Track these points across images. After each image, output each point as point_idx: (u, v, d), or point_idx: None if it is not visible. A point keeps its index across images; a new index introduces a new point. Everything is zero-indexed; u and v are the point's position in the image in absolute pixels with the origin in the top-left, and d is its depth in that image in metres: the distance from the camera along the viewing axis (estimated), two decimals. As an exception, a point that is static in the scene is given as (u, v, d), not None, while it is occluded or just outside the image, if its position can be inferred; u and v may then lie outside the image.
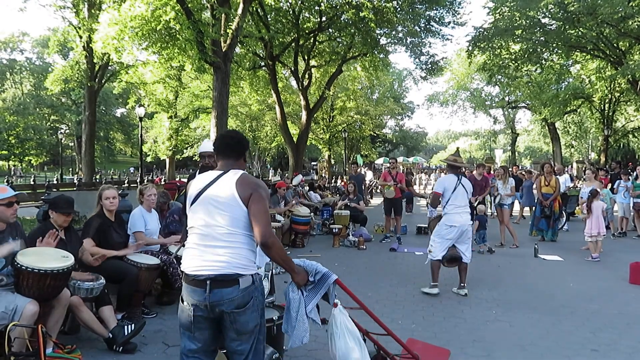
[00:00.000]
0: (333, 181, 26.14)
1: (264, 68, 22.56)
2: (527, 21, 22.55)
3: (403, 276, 6.93)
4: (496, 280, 6.77)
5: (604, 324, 4.86)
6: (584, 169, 36.06)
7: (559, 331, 4.65)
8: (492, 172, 13.37)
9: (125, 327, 3.95)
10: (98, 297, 4.07)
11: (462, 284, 6.02)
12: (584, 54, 25.21)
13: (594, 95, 30.56)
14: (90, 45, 19.64)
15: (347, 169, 35.74)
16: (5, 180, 21.63)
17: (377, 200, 20.40)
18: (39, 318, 3.35)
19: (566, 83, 31.20)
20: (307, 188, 13.81)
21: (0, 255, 3.35)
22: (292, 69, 22.88)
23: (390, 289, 6.18)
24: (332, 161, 41.34)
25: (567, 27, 21.76)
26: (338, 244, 9.54)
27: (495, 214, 10.96)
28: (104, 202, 4.70)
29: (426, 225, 11.67)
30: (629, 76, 20.69)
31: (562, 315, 5.13)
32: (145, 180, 23.52)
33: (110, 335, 3.91)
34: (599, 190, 8.72)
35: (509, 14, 22.84)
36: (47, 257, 3.50)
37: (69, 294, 3.77)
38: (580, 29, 21.60)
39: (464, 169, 6.85)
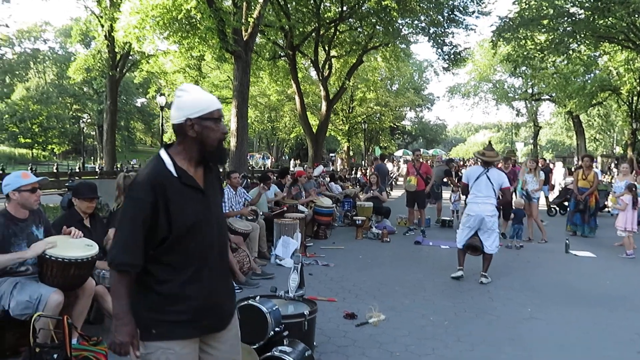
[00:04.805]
0: (354, 172, 25.89)
1: (283, 58, 22.37)
2: (555, 11, 21.92)
3: (430, 270, 6.74)
4: (527, 276, 6.53)
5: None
6: (609, 163, 35.23)
7: (600, 331, 4.42)
8: (516, 165, 13.05)
9: (150, 318, 3.84)
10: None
11: (483, 273, 6.12)
12: (613, 44, 24.45)
13: (621, 88, 29.70)
14: (112, 34, 19.69)
15: (365, 161, 35.47)
16: (29, 168, 21.93)
17: (397, 193, 20.14)
18: (64, 308, 3.26)
19: (592, 75, 30.38)
20: (327, 179, 13.63)
21: (37, 253, 3.23)
22: (312, 59, 22.64)
23: (418, 284, 5.99)
24: (351, 152, 41.06)
25: (596, 16, 21.09)
26: (361, 235, 9.36)
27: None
28: None
29: (450, 219, 11.47)
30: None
31: (601, 314, 4.88)
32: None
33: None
34: (636, 184, 8.38)
35: (536, 3, 22.22)
36: (71, 246, 3.40)
37: (94, 283, 3.67)
38: (610, 18, 20.91)
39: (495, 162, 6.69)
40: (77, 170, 27.19)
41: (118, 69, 24.73)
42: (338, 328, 4.27)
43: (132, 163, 43.21)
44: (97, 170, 27.65)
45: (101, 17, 22.27)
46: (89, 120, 46.82)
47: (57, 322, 3.05)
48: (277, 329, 3.14)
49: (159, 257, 1.85)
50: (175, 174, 1.86)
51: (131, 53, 23.97)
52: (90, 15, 24.54)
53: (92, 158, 51.07)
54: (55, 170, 26.02)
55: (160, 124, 25.99)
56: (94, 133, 51.19)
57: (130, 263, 1.80)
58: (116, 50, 23.41)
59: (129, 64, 26.77)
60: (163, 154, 1.90)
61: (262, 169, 34.18)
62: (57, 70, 52.77)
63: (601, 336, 4.30)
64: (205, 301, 1.91)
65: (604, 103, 35.41)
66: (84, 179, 12.28)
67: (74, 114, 53.25)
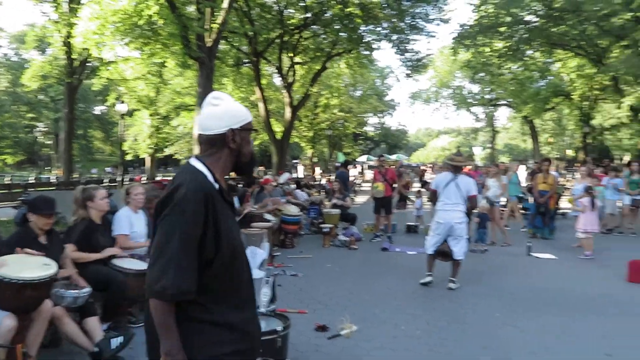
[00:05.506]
0: (320, 179, 25.88)
1: (247, 65, 22.21)
2: (511, 18, 22.68)
3: (399, 277, 6.72)
4: (494, 280, 6.61)
5: (615, 327, 4.72)
6: (561, 166, 36.46)
7: (570, 335, 4.48)
8: (477, 169, 13.32)
9: (112, 339, 3.64)
10: (83, 307, 3.75)
11: (451, 278, 6.15)
12: (566, 51, 25.47)
13: (573, 93, 30.93)
14: (69, 40, 19.06)
15: (329, 167, 35.56)
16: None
17: (361, 198, 20.21)
18: (17, 333, 3.05)
19: (546, 81, 31.55)
20: (293, 186, 13.52)
21: None
22: (276, 65, 22.58)
23: (388, 292, 5.97)
24: (314, 159, 41.10)
25: (550, 24, 21.94)
26: (328, 243, 9.29)
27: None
28: (100, 203, 4.37)
29: (415, 224, 11.52)
30: (612, 73, 20.92)
31: (569, 318, 4.96)
32: (127, 179, 22.99)
33: (96, 349, 3.59)
34: (592, 186, 8.65)
35: (494, 11, 22.94)
36: (26, 266, 3.20)
37: (51, 304, 3.45)
38: (563, 26, 21.79)
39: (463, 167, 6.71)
40: (32, 181, 26.15)
41: (76, 76, 23.94)
42: (310, 342, 4.18)
43: (92, 172, 41.85)
44: (53, 180, 26.64)
45: (58, 22, 21.53)
46: (44, 129, 45.20)
47: (9, 350, 2.85)
48: (248, 347, 3.02)
49: (205, 282, 1.62)
50: (217, 187, 1.68)
51: (89, 60, 23.24)
52: (47, 21, 23.70)
53: (48, 168, 49.22)
54: (9, 181, 24.93)
55: (119, 132, 25.32)
56: (50, 142, 49.39)
57: (190, 290, 1.54)
58: (74, 56, 22.67)
59: (88, 71, 25.96)
60: (199, 165, 1.69)
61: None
62: (11, 78, 50.66)
63: (572, 340, 4.36)
64: (250, 326, 1.75)
65: (557, 108, 36.79)
66: (40, 192, 11.78)
67: (28, 123, 51.25)
